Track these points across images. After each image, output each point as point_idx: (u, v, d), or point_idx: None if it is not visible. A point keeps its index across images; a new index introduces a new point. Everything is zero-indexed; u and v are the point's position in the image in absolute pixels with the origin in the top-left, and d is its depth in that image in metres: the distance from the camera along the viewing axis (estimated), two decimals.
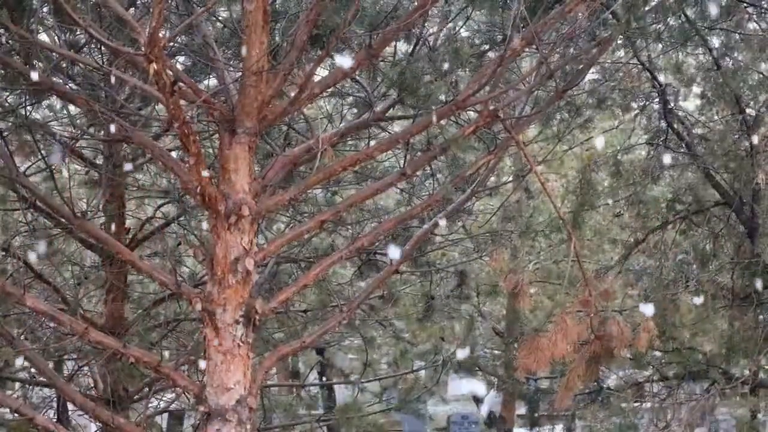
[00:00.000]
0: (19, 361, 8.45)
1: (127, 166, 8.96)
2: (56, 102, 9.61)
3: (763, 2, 10.32)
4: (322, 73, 6.70)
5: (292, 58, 6.00)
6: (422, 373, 11.94)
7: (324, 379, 17.07)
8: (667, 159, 10.77)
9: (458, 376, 15.99)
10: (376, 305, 11.16)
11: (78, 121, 8.75)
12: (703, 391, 11.46)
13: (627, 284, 11.97)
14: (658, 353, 11.59)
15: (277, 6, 7.00)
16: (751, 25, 10.45)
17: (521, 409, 18.82)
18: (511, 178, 11.62)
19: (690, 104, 12.29)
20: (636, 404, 11.97)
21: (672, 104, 10.84)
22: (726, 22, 9.57)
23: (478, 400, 19.48)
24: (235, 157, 6.06)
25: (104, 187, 9.33)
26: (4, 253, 9.19)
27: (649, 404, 11.98)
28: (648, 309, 6.69)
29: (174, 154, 8.25)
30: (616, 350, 6.72)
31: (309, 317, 10.43)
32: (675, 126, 10.87)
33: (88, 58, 6.73)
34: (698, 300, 10.25)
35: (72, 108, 8.69)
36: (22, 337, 9.03)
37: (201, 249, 6.28)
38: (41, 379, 8.94)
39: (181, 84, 5.96)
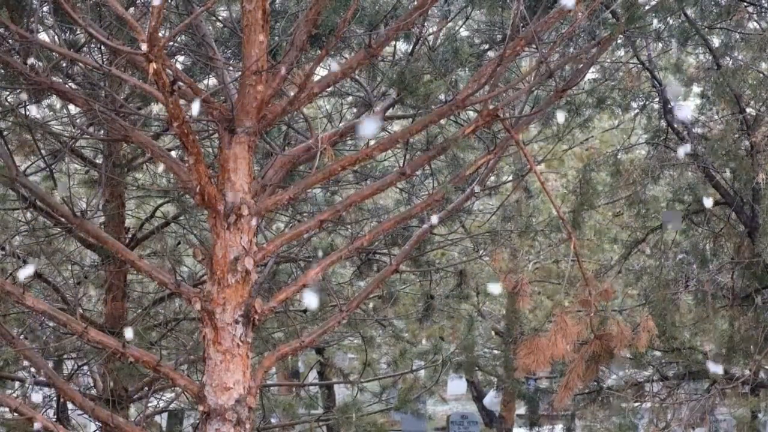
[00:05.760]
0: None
1: None
2: (56, 101, 9.61)
3: (763, 1, 10.31)
4: (321, 72, 6.70)
5: (292, 57, 6.00)
6: (422, 372, 11.95)
7: (324, 379, 17.07)
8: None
9: (457, 375, 16.00)
10: (375, 305, 11.17)
11: (78, 121, 8.75)
12: (703, 390, 11.45)
13: (627, 284, 11.98)
14: (658, 353, 11.59)
15: (276, 5, 7.00)
16: (752, 25, 10.45)
17: (521, 409, 18.81)
18: (510, 178, 11.61)
19: (690, 103, 12.29)
20: (636, 404, 11.97)
21: (672, 104, 10.84)
22: (726, 22, 9.56)
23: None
24: (235, 157, 6.05)
25: (104, 187, 9.33)
26: (3, 253, 9.20)
27: (649, 404, 11.97)
28: None
29: (174, 153, 8.26)
30: (615, 350, 6.72)
31: (308, 317, 10.44)
32: (675, 125, 10.86)
33: (87, 58, 6.72)
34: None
35: (72, 107, 8.69)
36: (22, 337, 9.03)
37: (200, 248, 6.27)
38: (41, 378, 8.93)
39: (180, 83, 5.96)
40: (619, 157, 11.47)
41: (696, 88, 11.51)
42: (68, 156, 9.33)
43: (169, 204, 10.54)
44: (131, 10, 7.52)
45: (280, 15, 6.80)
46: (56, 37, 6.79)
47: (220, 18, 7.62)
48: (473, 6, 7.26)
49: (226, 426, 6.01)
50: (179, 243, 10.88)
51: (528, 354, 6.58)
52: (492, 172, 7.44)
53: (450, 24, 7.48)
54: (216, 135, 6.93)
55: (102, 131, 8.89)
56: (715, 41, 10.38)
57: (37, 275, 9.26)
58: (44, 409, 10.34)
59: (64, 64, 7.25)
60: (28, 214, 8.61)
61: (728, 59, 10.42)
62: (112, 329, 9.06)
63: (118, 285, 9.62)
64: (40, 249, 9.42)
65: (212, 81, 7.98)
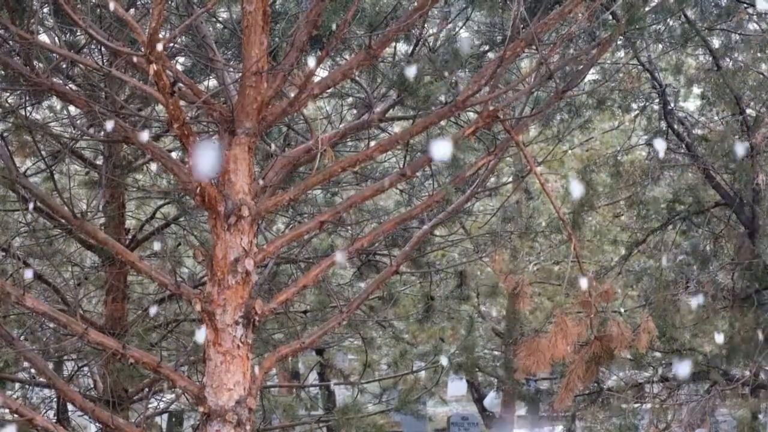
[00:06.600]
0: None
1: None
2: (56, 103, 9.62)
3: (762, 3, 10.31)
4: (321, 73, 6.70)
5: (292, 58, 6.00)
6: (422, 373, 11.94)
7: (324, 380, 17.07)
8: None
9: (458, 376, 15.99)
10: (375, 306, 11.17)
11: (78, 122, 8.75)
12: (703, 392, 11.45)
13: (627, 285, 11.98)
14: (658, 354, 11.59)
15: (276, 7, 7.00)
16: (751, 26, 10.45)
17: (521, 410, 18.82)
18: (510, 179, 11.62)
19: (690, 105, 12.30)
20: (636, 405, 11.97)
21: (672, 105, 10.84)
22: (726, 23, 9.57)
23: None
24: (235, 158, 6.06)
25: (104, 188, 9.33)
26: (4, 254, 9.20)
27: (649, 405, 11.97)
28: None
29: (174, 154, 8.26)
30: (616, 351, 6.72)
31: (309, 318, 10.43)
32: (675, 127, 10.87)
33: (87, 59, 6.72)
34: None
35: (72, 108, 8.70)
36: (22, 338, 9.03)
37: (201, 249, 6.28)
38: (41, 379, 8.93)
39: (180, 85, 5.96)
40: (619, 158, 11.48)
41: (696, 89, 11.52)
42: (68, 157, 9.34)
43: (170, 205, 10.55)
44: (131, 11, 7.52)
45: (280, 16, 6.80)
46: (56, 38, 6.79)
47: (220, 19, 7.63)
48: (473, 7, 7.27)
49: (226, 427, 6.01)
50: (179, 244, 10.88)
51: (528, 355, 6.58)
52: (492, 173, 7.44)
53: (450, 25, 7.48)
54: (216, 136, 6.93)
55: (102, 132, 8.90)
56: (715, 42, 10.39)
57: (38, 276, 9.26)
58: (44, 410, 10.34)
59: (65, 66, 7.25)
60: (29, 216, 8.61)
61: (728, 60, 10.42)
62: (113, 330, 9.07)
63: (119, 286, 9.62)
64: (40, 250, 9.43)
65: (213, 82, 7.98)
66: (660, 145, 10.49)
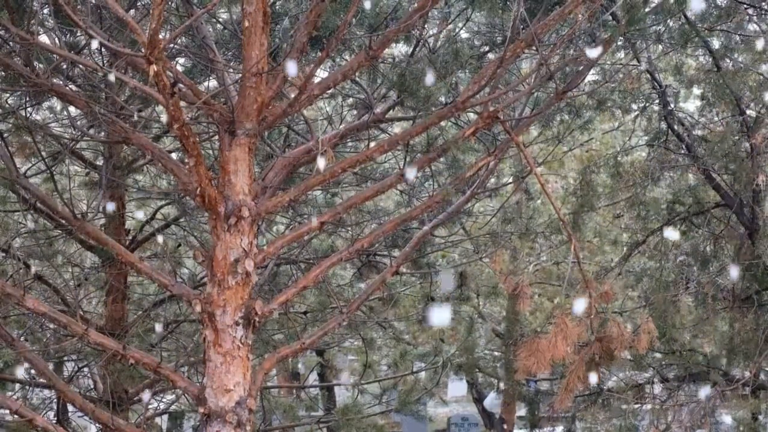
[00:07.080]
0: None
1: None
2: (56, 103, 9.62)
3: (763, 3, 10.32)
4: (322, 74, 6.70)
5: (292, 59, 6.00)
6: (422, 374, 11.94)
7: (324, 380, 17.07)
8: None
9: (458, 377, 16.00)
10: (376, 306, 11.17)
11: (78, 123, 8.75)
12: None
13: (627, 286, 11.98)
14: (658, 355, 11.59)
15: (277, 7, 7.01)
16: (751, 27, 10.45)
17: (521, 411, 18.79)
18: (511, 180, 11.62)
19: (690, 105, 12.30)
20: (636, 406, 11.96)
21: (672, 105, 10.84)
22: (726, 24, 9.57)
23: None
24: (235, 159, 6.06)
25: (104, 189, 9.34)
26: (4, 255, 9.20)
27: (649, 406, 11.97)
28: None
29: (174, 155, 8.27)
30: (616, 352, 6.72)
31: (309, 318, 10.44)
32: (675, 127, 10.86)
33: (88, 60, 6.72)
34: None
35: (72, 109, 8.70)
36: (22, 339, 9.02)
37: (201, 250, 6.28)
38: (41, 380, 8.93)
39: (180, 85, 5.96)
40: (619, 159, 11.48)
41: (696, 90, 11.51)
42: (68, 158, 9.34)
43: (170, 206, 10.55)
44: (132, 12, 7.52)
45: (280, 17, 6.80)
46: (57, 39, 6.79)
47: (220, 20, 7.63)
48: (473, 8, 7.27)
49: (226, 428, 6.01)
50: (180, 245, 10.88)
51: (528, 356, 6.58)
52: (492, 174, 7.44)
53: (450, 26, 7.48)
54: (216, 137, 6.94)
55: (102, 133, 8.90)
56: (715, 43, 10.38)
57: (38, 277, 9.26)
58: (44, 411, 10.34)
59: (65, 66, 7.25)
60: (29, 216, 8.62)
61: (728, 61, 10.42)
62: (113, 331, 9.07)
63: (119, 287, 9.62)
64: (40, 251, 9.43)
65: (213, 83, 7.99)
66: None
